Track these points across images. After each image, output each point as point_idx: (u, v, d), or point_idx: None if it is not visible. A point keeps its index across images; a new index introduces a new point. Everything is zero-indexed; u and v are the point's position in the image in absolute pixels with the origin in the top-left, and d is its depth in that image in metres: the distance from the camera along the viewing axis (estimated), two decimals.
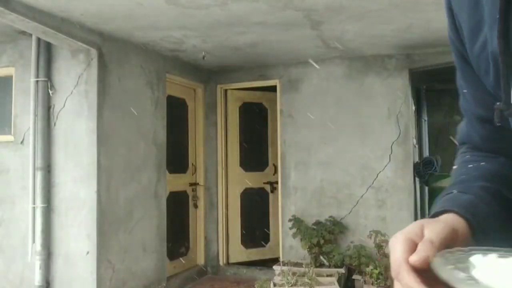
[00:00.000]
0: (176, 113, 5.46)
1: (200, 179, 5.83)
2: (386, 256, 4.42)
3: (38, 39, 4.06)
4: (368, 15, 3.78)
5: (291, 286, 4.22)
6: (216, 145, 5.93)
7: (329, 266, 4.79)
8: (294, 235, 5.16)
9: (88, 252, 3.97)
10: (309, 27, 4.08)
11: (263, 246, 6.26)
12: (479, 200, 0.64)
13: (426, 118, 6.84)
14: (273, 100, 5.97)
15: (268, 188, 6.29)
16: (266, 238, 6.27)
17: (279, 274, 4.53)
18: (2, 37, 4.27)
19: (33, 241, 4.05)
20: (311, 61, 5.22)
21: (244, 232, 6.10)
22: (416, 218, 5.43)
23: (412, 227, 0.57)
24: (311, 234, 4.89)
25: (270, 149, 6.34)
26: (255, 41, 4.52)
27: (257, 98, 6.31)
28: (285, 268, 4.69)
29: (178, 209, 5.45)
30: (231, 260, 5.99)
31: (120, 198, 4.25)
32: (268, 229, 6.28)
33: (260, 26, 4.04)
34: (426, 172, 5.46)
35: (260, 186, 6.24)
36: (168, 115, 5.05)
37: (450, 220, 0.59)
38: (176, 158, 5.40)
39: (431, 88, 7.10)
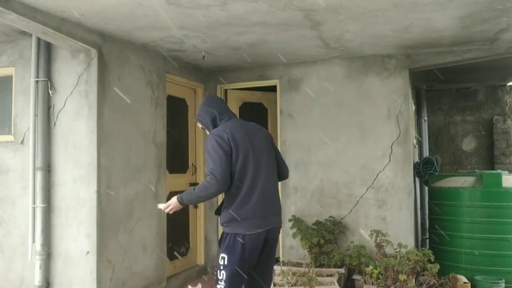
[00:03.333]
0: (176, 113, 5.45)
1: (200, 179, 5.83)
2: (386, 256, 4.42)
3: (38, 39, 4.06)
4: (368, 15, 3.77)
5: (291, 286, 4.22)
6: None
7: (329, 266, 4.79)
8: (294, 235, 5.16)
9: (88, 252, 3.96)
10: (309, 27, 4.08)
11: None
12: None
13: (426, 118, 6.84)
14: (273, 100, 5.97)
15: None
16: None
17: (279, 274, 4.52)
18: (2, 37, 4.27)
19: (33, 241, 4.05)
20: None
21: None
22: (416, 218, 5.43)
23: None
24: (311, 234, 4.89)
25: None
26: (255, 41, 4.52)
27: (257, 98, 6.31)
28: (285, 268, 4.69)
29: None
30: None
31: (120, 198, 4.24)
32: None
33: (260, 26, 4.04)
34: (426, 172, 5.46)
35: None
36: (168, 115, 5.05)
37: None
38: (176, 158, 5.40)
39: (431, 88, 7.10)
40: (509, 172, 5.56)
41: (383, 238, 4.53)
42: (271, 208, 2.93)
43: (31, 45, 4.12)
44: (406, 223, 5.01)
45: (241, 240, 2.78)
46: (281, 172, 3.13)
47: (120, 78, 4.31)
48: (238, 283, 2.84)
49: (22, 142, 4.25)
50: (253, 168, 2.83)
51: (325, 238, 4.87)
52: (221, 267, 2.81)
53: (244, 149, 2.82)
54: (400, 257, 4.30)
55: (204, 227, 5.89)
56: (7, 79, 4.40)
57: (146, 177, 4.61)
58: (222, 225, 2.92)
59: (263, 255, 2.91)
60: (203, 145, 5.90)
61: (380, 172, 5.10)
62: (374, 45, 4.76)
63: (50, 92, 4.12)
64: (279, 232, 3.07)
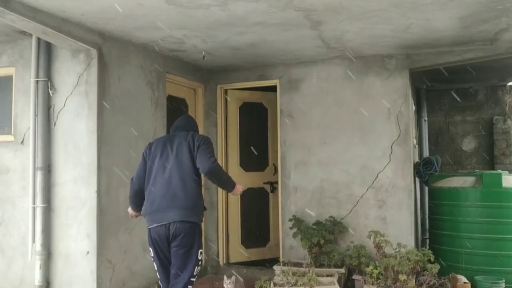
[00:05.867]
0: (176, 113, 5.44)
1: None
2: (386, 256, 4.42)
3: (38, 39, 4.07)
4: (368, 15, 3.78)
5: (291, 286, 4.22)
6: (216, 145, 5.92)
7: (329, 266, 4.79)
8: (294, 235, 5.16)
9: (88, 252, 3.96)
10: (309, 27, 4.08)
11: (263, 246, 6.26)
12: None
13: (426, 118, 6.83)
14: (273, 100, 5.97)
15: (268, 188, 6.29)
16: (266, 238, 6.27)
17: (279, 274, 4.52)
18: (2, 37, 4.27)
19: (33, 241, 4.05)
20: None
21: (244, 232, 6.10)
22: (416, 218, 5.43)
23: None
24: (311, 234, 4.89)
25: (270, 149, 6.33)
26: (255, 41, 4.52)
27: (257, 98, 6.31)
28: (285, 268, 4.69)
29: None
30: (231, 260, 5.99)
31: (120, 198, 4.24)
32: (268, 229, 6.28)
33: (260, 26, 4.04)
34: (426, 172, 5.45)
35: (260, 186, 6.24)
36: (168, 115, 5.05)
37: None
38: None
39: (431, 88, 7.10)
40: (509, 172, 5.56)
41: (381, 238, 4.53)
42: (170, 203, 3.13)
43: (31, 45, 4.12)
44: (406, 223, 5.01)
45: (148, 234, 3.22)
46: (198, 166, 3.19)
47: (120, 78, 4.31)
48: (160, 273, 3.24)
49: (22, 142, 4.25)
50: (158, 168, 3.21)
51: (325, 238, 4.87)
52: (151, 258, 3.28)
53: (155, 154, 3.26)
54: (400, 257, 4.30)
55: (204, 227, 5.88)
56: (7, 79, 4.40)
57: None
58: None
59: (172, 251, 3.16)
60: None
61: (380, 172, 5.10)
62: (374, 45, 4.76)
63: (50, 92, 4.12)
64: (187, 228, 3.13)
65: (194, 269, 3.15)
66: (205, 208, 3.39)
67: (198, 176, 3.23)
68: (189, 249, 3.14)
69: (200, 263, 3.20)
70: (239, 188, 3.34)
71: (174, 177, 3.16)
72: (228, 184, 3.32)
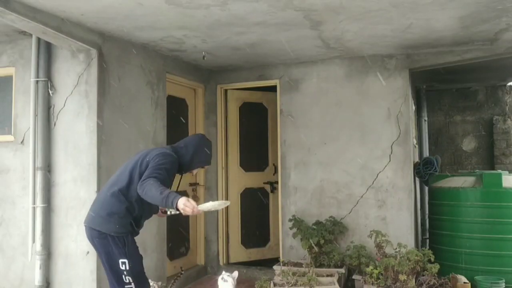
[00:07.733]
0: (176, 113, 5.45)
1: (200, 179, 5.83)
2: (386, 256, 4.42)
3: (38, 39, 4.07)
4: (368, 15, 3.78)
5: (291, 286, 4.22)
6: (216, 145, 5.92)
7: (329, 266, 4.79)
8: (294, 235, 5.16)
9: (88, 252, 3.96)
10: (309, 27, 4.08)
11: (263, 246, 6.26)
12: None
13: (426, 118, 6.84)
14: (273, 100, 5.97)
15: (268, 188, 6.29)
16: (266, 238, 6.27)
17: (279, 274, 4.52)
18: (2, 37, 4.27)
19: (33, 241, 4.05)
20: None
21: (244, 232, 6.10)
22: (416, 218, 5.43)
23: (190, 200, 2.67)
24: (311, 234, 4.89)
25: (270, 149, 6.33)
26: (255, 41, 4.52)
27: (257, 98, 6.31)
28: (285, 268, 4.69)
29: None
30: (231, 260, 5.99)
31: None
32: (268, 229, 6.28)
33: (260, 26, 4.04)
34: (426, 172, 5.45)
35: (260, 186, 6.24)
36: (168, 115, 5.05)
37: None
38: None
39: (431, 88, 7.10)
40: (509, 172, 5.56)
41: (382, 238, 4.53)
42: (91, 206, 3.11)
43: (31, 45, 4.12)
44: (406, 223, 5.01)
45: None
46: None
47: (120, 78, 4.31)
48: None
49: (22, 142, 4.25)
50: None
51: (325, 238, 4.87)
52: None
53: None
54: (400, 257, 4.30)
55: (204, 227, 5.89)
56: (7, 79, 4.40)
57: None
58: None
59: None
60: None
61: (380, 172, 5.10)
62: (374, 45, 4.76)
63: (50, 92, 4.12)
64: (96, 236, 2.95)
65: (122, 278, 2.94)
66: (135, 223, 3.12)
67: (130, 190, 2.98)
68: (105, 259, 2.96)
69: (125, 272, 2.95)
70: (180, 205, 2.63)
71: (107, 184, 3.14)
72: (162, 201, 2.68)
